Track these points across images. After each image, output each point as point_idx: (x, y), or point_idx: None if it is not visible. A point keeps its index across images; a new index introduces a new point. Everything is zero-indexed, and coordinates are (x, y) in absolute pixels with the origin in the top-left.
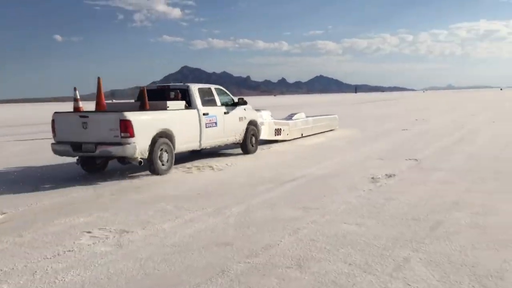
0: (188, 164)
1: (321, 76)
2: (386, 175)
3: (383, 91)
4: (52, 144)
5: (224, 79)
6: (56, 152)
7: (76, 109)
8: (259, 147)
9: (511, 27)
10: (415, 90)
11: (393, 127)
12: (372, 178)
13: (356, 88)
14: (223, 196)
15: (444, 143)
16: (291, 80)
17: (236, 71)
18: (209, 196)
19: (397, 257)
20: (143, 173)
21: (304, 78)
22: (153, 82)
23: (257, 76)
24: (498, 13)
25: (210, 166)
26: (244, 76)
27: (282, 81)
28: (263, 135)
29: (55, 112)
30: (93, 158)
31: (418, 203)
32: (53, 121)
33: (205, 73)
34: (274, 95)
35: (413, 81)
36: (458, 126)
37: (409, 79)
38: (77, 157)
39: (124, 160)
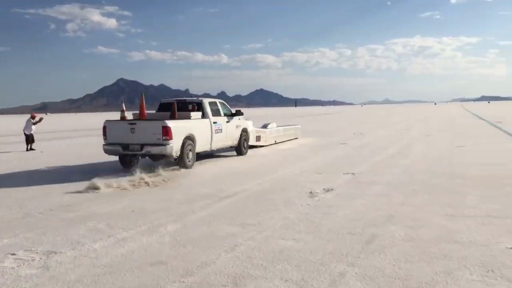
0: (123, 181)
1: (261, 90)
2: (324, 189)
3: (322, 105)
4: (104, 145)
5: (162, 92)
6: (107, 151)
7: (122, 118)
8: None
9: (444, 43)
10: (354, 104)
11: (331, 141)
12: (310, 192)
13: (296, 102)
14: (159, 213)
15: (381, 157)
16: (230, 93)
17: (175, 84)
18: (144, 214)
19: (333, 272)
20: (72, 189)
21: (244, 92)
22: (88, 95)
23: (196, 89)
24: (431, 30)
25: (146, 183)
26: (183, 89)
27: (222, 94)
28: (231, 142)
29: (107, 120)
30: (130, 157)
31: (355, 217)
32: (104, 127)
33: (142, 85)
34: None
35: (351, 95)
36: (394, 139)
37: (347, 93)
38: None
39: (160, 158)
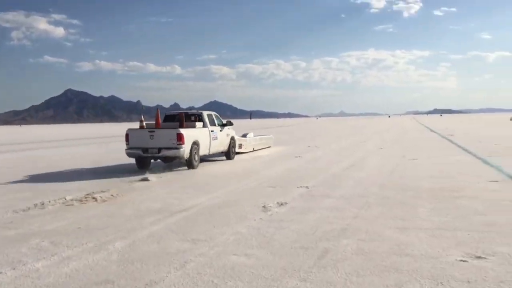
0: (69, 196)
1: (215, 101)
2: (278, 203)
3: (278, 117)
4: (126, 149)
5: (113, 103)
6: (129, 154)
7: (141, 126)
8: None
9: (397, 56)
10: (309, 117)
11: (286, 154)
12: (264, 206)
13: (251, 114)
14: (107, 230)
15: (335, 169)
16: (184, 105)
17: (126, 95)
18: (90, 230)
19: (284, 287)
20: (15, 205)
21: (198, 103)
22: (33, 106)
23: (149, 100)
24: (385, 43)
25: (94, 198)
26: (134, 100)
27: (175, 106)
28: (222, 148)
29: (129, 129)
30: (146, 159)
31: (308, 231)
32: (127, 134)
33: (91, 96)
34: None
35: (307, 108)
36: (349, 152)
37: (303, 106)
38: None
39: (172, 160)
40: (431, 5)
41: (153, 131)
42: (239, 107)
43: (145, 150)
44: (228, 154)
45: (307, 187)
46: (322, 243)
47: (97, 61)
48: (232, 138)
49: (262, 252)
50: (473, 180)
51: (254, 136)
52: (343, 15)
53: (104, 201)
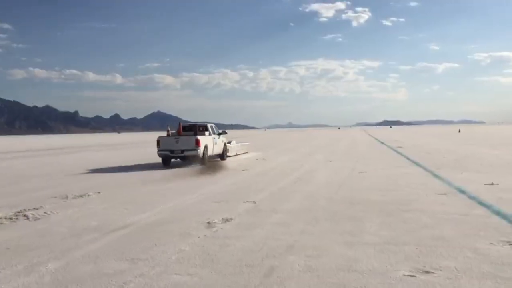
0: None
1: (158, 112)
2: (223, 219)
3: (225, 129)
4: (158, 151)
5: (48, 114)
6: (160, 155)
7: (168, 134)
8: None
9: (346, 67)
10: (257, 128)
11: (232, 167)
12: (208, 223)
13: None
14: (39, 250)
15: (283, 183)
16: (125, 116)
17: (62, 105)
18: (21, 251)
19: None
20: None
21: (140, 114)
22: None
23: (87, 111)
24: (334, 53)
25: (25, 216)
26: (72, 111)
27: (116, 117)
28: (219, 151)
29: (160, 136)
30: (170, 158)
31: (254, 248)
32: (158, 140)
33: (24, 106)
34: (119, 132)
35: (254, 119)
36: (297, 165)
37: (250, 117)
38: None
39: (190, 158)
40: (380, 15)
41: (178, 138)
42: (183, 118)
43: (172, 151)
44: (222, 156)
45: (254, 201)
46: (269, 261)
47: (31, 69)
48: (225, 144)
49: (205, 271)
50: (422, 193)
51: (236, 143)
52: (291, 24)
53: (36, 219)
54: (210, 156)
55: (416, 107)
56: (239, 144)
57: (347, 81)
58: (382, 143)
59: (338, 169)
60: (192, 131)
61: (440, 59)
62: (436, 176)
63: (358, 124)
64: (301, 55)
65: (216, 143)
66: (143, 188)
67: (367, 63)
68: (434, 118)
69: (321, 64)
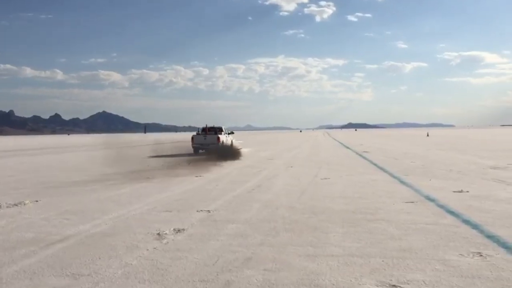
0: None
1: (104, 113)
2: (174, 230)
3: (176, 131)
4: (192, 145)
5: None
6: (194, 147)
7: (198, 133)
8: None
9: (309, 65)
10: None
11: (184, 174)
12: (158, 234)
13: (146, 128)
14: None
15: (240, 191)
16: (67, 116)
17: None
18: None
19: None
20: None
21: (84, 114)
22: None
23: (24, 111)
24: (296, 50)
25: None
26: (6, 110)
27: (56, 118)
28: (229, 144)
29: (194, 134)
30: (199, 149)
31: (208, 261)
32: (192, 137)
33: None
34: (68, 134)
35: (210, 120)
36: (256, 171)
37: (205, 118)
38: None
39: (213, 151)
40: (345, 10)
41: (206, 136)
42: (132, 119)
43: (201, 144)
44: (231, 150)
45: (208, 211)
46: (224, 275)
47: None
48: (232, 140)
49: (155, 287)
50: (389, 201)
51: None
52: (250, 18)
53: None
54: (223, 146)
55: (383, 109)
56: (237, 142)
57: (310, 80)
58: (347, 147)
59: (300, 176)
60: (214, 131)
61: (408, 58)
62: (403, 183)
63: (322, 127)
64: (261, 51)
65: (228, 139)
66: (86, 196)
67: (331, 61)
68: (401, 121)
69: (282, 61)
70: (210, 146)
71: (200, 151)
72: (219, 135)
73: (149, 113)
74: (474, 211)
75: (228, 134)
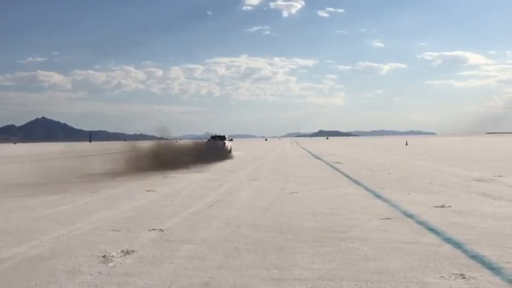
0: None
1: (43, 119)
2: (122, 251)
3: (125, 140)
4: (206, 147)
5: None
6: (207, 149)
7: (208, 140)
8: None
9: (276, 65)
10: (166, 139)
11: (135, 188)
12: (104, 256)
13: (91, 136)
14: None
15: (198, 207)
16: (0, 123)
17: None
18: None
19: None
20: None
21: (20, 121)
22: None
23: None
24: (260, 49)
25: None
26: None
27: None
28: (230, 148)
29: (206, 141)
30: (213, 151)
31: (160, 287)
32: (206, 143)
33: None
34: (14, 143)
35: (164, 126)
36: (215, 185)
37: (158, 125)
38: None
39: (220, 153)
40: (315, 5)
41: (216, 141)
42: (75, 126)
43: (213, 147)
44: (230, 151)
45: (161, 229)
46: None
47: None
48: (231, 146)
49: None
50: (363, 217)
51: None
52: (209, 12)
53: None
54: (227, 150)
55: (357, 115)
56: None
57: (276, 83)
58: (317, 157)
59: (265, 190)
60: (221, 138)
61: (385, 59)
62: (379, 197)
63: (289, 135)
64: (221, 50)
65: (228, 144)
66: (20, 213)
67: (300, 61)
68: (378, 128)
69: (245, 61)
70: (218, 150)
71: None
72: (225, 141)
73: (95, 119)
74: (457, 228)
75: (229, 140)
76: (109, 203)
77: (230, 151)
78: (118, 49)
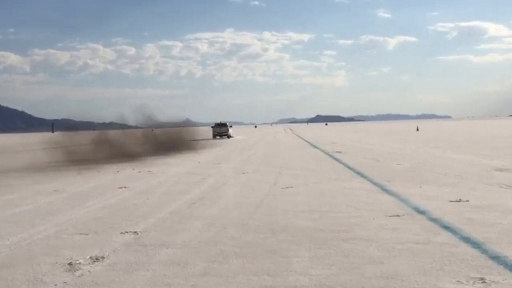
0: None
1: None
2: (91, 258)
3: (94, 129)
4: (213, 133)
5: None
6: (213, 134)
7: (213, 126)
8: None
9: (265, 41)
10: (141, 128)
11: (105, 185)
12: (70, 264)
13: (54, 126)
14: None
15: (177, 205)
16: None
17: None
18: None
19: None
20: None
21: None
22: None
23: None
24: (247, 22)
25: None
26: None
27: None
28: (231, 134)
29: (212, 126)
30: (217, 135)
31: None
32: (212, 128)
33: None
34: None
35: (135, 112)
36: (197, 179)
37: (131, 111)
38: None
39: (225, 136)
40: None
41: (220, 127)
42: (36, 114)
43: (218, 133)
44: (229, 136)
45: (135, 232)
46: None
47: None
48: (231, 131)
49: None
50: (368, 214)
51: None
52: None
53: None
54: (229, 135)
55: (361, 97)
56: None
57: (266, 61)
58: (315, 146)
59: (255, 184)
60: (224, 125)
61: (392, 31)
62: (386, 191)
63: (283, 121)
64: (203, 24)
65: (230, 130)
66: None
67: (294, 36)
68: (384, 112)
69: (230, 37)
70: (223, 135)
71: (217, 137)
72: (228, 127)
73: (58, 106)
74: (476, 226)
75: (230, 127)
76: (75, 202)
77: (230, 136)
78: (84, 24)
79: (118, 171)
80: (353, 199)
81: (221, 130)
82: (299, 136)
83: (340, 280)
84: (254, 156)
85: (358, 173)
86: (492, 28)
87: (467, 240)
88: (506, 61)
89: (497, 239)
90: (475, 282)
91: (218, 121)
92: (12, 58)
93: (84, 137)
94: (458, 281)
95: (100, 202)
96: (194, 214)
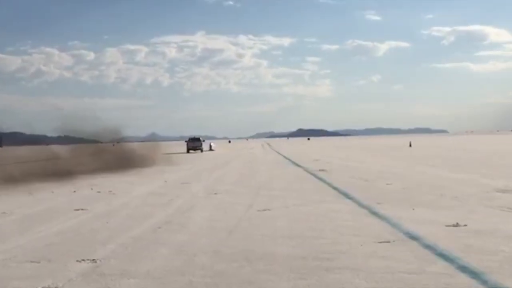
0: None
1: None
2: None
3: (47, 144)
4: (187, 147)
5: None
6: (187, 148)
7: (187, 141)
8: None
9: (241, 45)
10: (99, 142)
11: (59, 206)
12: None
13: (2, 139)
14: None
15: (141, 230)
16: None
17: None
18: None
19: None
20: None
21: None
22: None
23: None
24: (221, 24)
25: None
26: None
27: None
28: (204, 148)
29: (186, 140)
30: (190, 150)
31: None
32: (187, 142)
33: None
34: None
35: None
36: (163, 201)
37: (87, 123)
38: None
39: (199, 150)
40: None
41: (193, 142)
42: None
43: (192, 147)
44: (202, 150)
45: (93, 260)
46: None
47: None
48: (203, 145)
49: None
50: (354, 241)
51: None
52: None
53: None
54: (202, 149)
55: (347, 109)
56: (213, 145)
57: (242, 68)
58: (296, 164)
59: (228, 206)
60: (197, 140)
61: (382, 36)
62: (375, 214)
63: (260, 135)
64: (171, 27)
65: (203, 144)
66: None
67: (272, 40)
68: (374, 126)
69: (201, 41)
70: (196, 149)
71: (191, 151)
72: (201, 142)
73: (6, 117)
74: (475, 253)
75: (203, 141)
76: (26, 225)
77: (202, 150)
78: (37, 26)
79: (74, 191)
80: (338, 223)
81: (195, 145)
82: (278, 153)
83: None
84: (228, 174)
85: (344, 194)
86: (493, 33)
87: (464, 269)
88: (509, 70)
89: (498, 268)
90: None
91: (192, 135)
92: None
93: (36, 153)
94: None
95: (53, 226)
96: (159, 239)
